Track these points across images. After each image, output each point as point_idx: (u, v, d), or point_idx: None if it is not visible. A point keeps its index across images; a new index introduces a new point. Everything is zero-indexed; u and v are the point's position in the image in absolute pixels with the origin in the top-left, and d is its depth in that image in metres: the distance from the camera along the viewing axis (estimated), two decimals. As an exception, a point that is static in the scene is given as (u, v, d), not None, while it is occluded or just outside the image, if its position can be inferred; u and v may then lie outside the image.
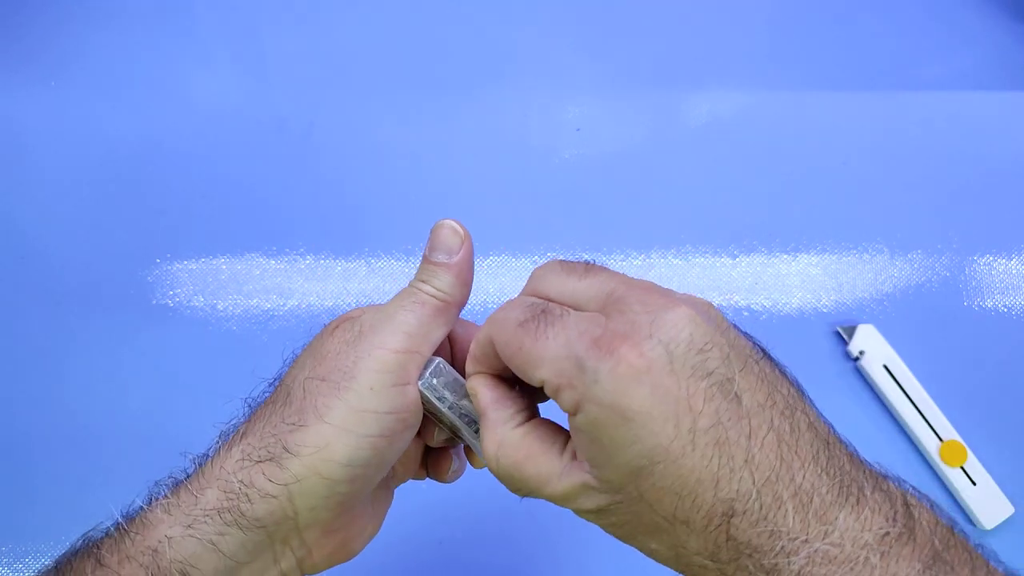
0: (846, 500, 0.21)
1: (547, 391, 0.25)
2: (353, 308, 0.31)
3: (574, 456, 0.25)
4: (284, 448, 0.27)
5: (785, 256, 0.64)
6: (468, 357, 0.28)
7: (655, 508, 0.22)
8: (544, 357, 0.24)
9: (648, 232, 0.65)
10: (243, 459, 0.27)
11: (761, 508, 0.21)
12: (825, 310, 0.62)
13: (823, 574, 0.20)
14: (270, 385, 0.30)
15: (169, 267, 0.63)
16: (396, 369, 0.27)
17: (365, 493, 0.29)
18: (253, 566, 0.27)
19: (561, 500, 0.26)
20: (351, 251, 0.64)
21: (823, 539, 0.21)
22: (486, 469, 0.28)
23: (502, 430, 0.26)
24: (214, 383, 0.59)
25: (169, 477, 0.28)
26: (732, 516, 0.21)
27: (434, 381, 0.29)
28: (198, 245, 0.64)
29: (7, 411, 0.58)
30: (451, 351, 0.32)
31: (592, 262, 0.28)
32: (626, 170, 0.68)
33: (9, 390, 0.59)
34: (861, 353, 0.58)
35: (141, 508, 0.27)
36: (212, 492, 0.26)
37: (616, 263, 0.64)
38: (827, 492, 0.21)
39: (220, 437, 0.29)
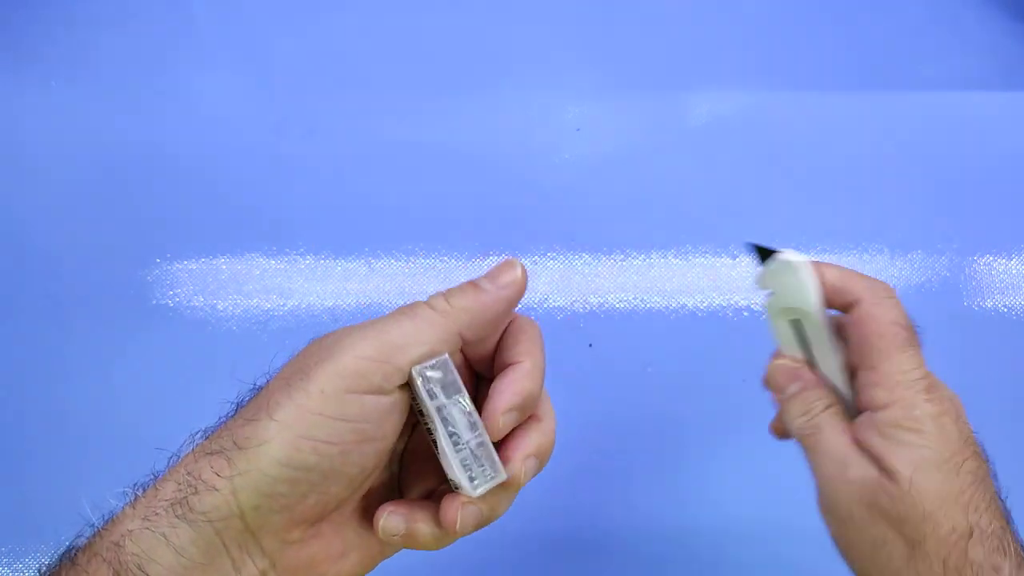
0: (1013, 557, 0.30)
1: (867, 378, 0.32)
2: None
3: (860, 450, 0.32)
4: (234, 442, 0.26)
5: (785, 256, 0.64)
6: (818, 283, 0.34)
7: (919, 499, 0.30)
8: (893, 360, 0.32)
9: (648, 232, 0.65)
10: (199, 453, 0.27)
11: (995, 544, 0.29)
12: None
13: None
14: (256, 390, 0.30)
15: (169, 267, 0.63)
16: (353, 375, 0.26)
17: (318, 504, 0.27)
18: (210, 570, 0.26)
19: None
20: (351, 251, 0.64)
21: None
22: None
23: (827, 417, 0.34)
24: (214, 383, 0.59)
25: (147, 477, 0.28)
26: (971, 537, 0.29)
27: (429, 373, 0.27)
28: (198, 245, 0.64)
29: (7, 411, 0.58)
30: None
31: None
32: (626, 170, 0.68)
33: (9, 390, 0.59)
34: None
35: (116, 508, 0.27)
36: (169, 484, 0.26)
37: (616, 263, 0.64)
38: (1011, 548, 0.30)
39: (191, 436, 0.29)
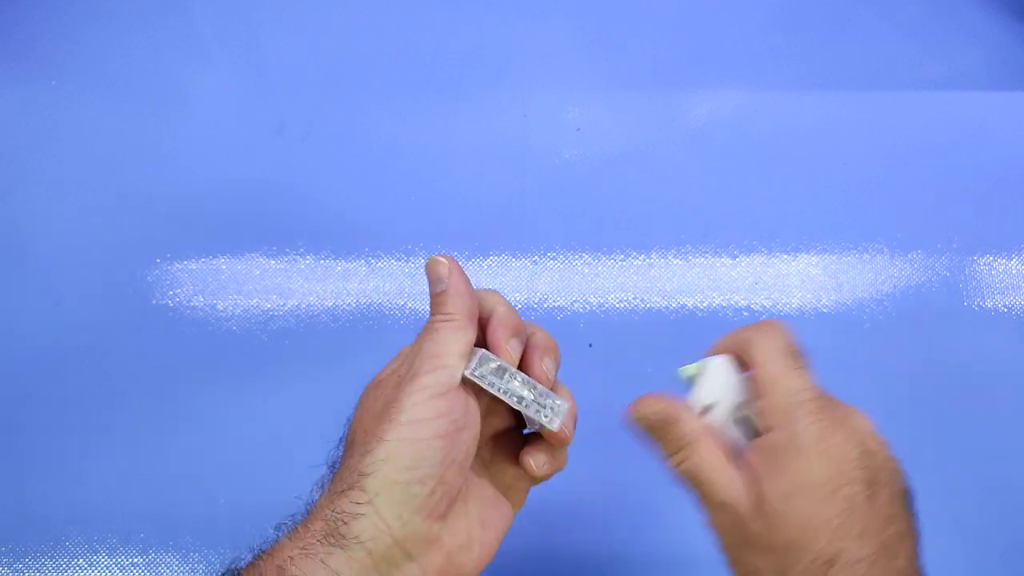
0: None
1: (759, 406, 0.32)
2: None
3: (738, 464, 0.32)
4: (359, 474, 0.31)
5: (785, 256, 0.64)
6: (723, 343, 0.36)
7: (785, 527, 0.29)
8: (780, 382, 0.32)
9: (648, 232, 0.65)
10: (332, 496, 0.31)
11: (862, 571, 0.28)
12: (825, 310, 0.62)
13: None
14: (339, 445, 0.35)
15: (169, 267, 0.63)
16: (431, 384, 0.32)
17: (444, 495, 0.32)
18: None
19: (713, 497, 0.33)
20: (351, 251, 0.64)
21: None
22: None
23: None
24: (214, 383, 0.59)
25: (291, 517, 0.33)
26: (832, 566, 0.28)
27: (477, 371, 0.34)
28: (198, 245, 0.64)
29: (7, 411, 0.58)
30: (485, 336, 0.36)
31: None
32: (626, 170, 0.68)
33: (9, 390, 0.59)
34: None
35: (273, 539, 0.32)
36: (317, 522, 0.31)
37: (616, 263, 0.64)
38: None
39: (315, 487, 0.34)
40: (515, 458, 0.37)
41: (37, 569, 0.53)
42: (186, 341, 0.60)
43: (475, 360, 0.34)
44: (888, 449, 0.31)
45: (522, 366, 0.36)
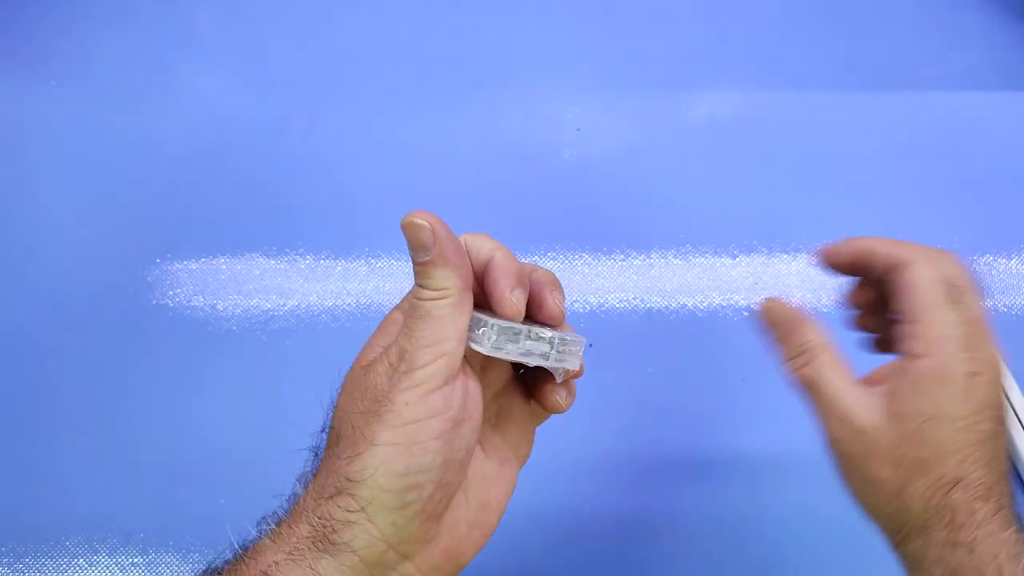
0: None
1: (908, 330, 0.33)
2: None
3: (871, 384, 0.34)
4: (348, 479, 0.29)
5: (785, 256, 0.64)
6: (847, 253, 0.37)
7: (919, 446, 0.31)
8: (936, 313, 0.33)
9: (648, 232, 0.65)
10: (318, 498, 0.29)
11: (980, 493, 0.31)
12: (825, 310, 0.62)
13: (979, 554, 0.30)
14: (323, 431, 0.32)
15: (169, 267, 0.63)
16: (426, 380, 0.29)
17: (443, 497, 0.30)
18: None
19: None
20: (351, 251, 0.64)
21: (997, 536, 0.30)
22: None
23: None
24: (214, 383, 0.59)
25: (272, 514, 0.31)
26: (956, 485, 0.31)
27: (488, 344, 0.30)
28: (198, 245, 0.64)
29: (7, 411, 0.58)
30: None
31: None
32: (626, 170, 0.68)
33: (9, 390, 0.59)
34: None
35: (255, 539, 0.30)
36: (303, 527, 0.29)
37: (616, 263, 0.64)
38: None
39: (298, 480, 0.32)
40: (521, 406, 0.35)
41: (37, 569, 0.53)
42: (186, 341, 0.60)
43: (480, 332, 0.30)
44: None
45: (531, 308, 0.33)
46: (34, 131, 0.69)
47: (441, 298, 0.30)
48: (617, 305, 0.62)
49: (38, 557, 0.54)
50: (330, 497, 0.29)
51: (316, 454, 0.32)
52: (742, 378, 0.59)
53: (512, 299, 0.31)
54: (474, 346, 0.30)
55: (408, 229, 0.30)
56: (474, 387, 0.31)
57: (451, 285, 0.30)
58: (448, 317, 0.30)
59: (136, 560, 0.53)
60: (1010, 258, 0.64)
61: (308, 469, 0.32)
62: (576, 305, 0.62)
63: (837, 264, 0.38)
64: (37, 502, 0.55)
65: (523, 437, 0.36)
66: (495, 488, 0.33)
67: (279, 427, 0.57)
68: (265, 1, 0.75)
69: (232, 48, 0.74)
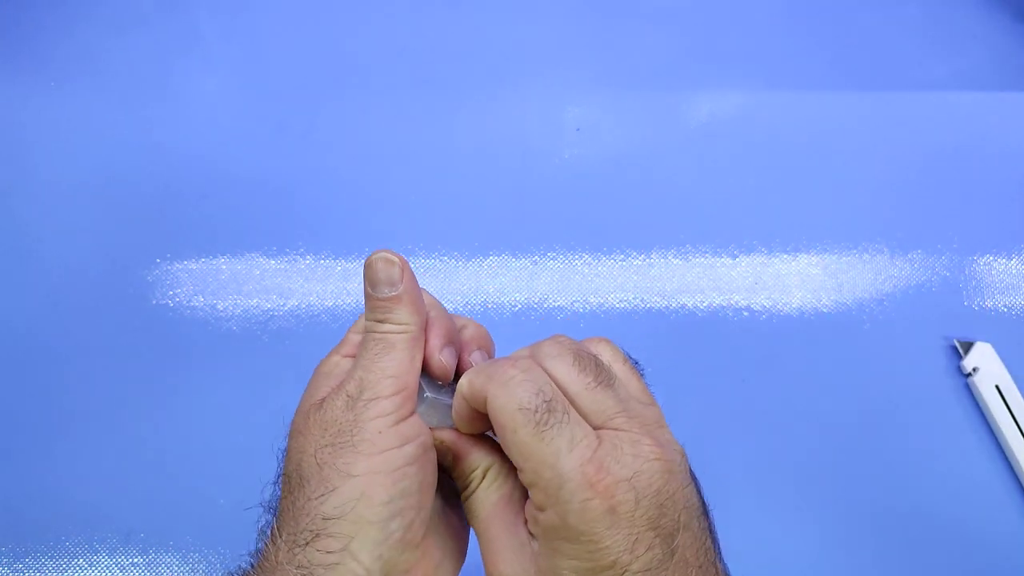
0: None
1: (522, 478, 0.28)
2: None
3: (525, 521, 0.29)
4: (324, 518, 0.28)
5: (785, 256, 0.64)
6: (458, 407, 0.31)
7: None
8: (534, 456, 0.27)
9: (648, 232, 0.65)
10: (292, 547, 0.28)
11: None
12: (825, 310, 0.62)
13: None
14: (275, 483, 0.31)
15: (169, 267, 0.63)
16: (395, 409, 0.29)
17: (421, 523, 0.30)
18: None
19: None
20: (351, 251, 0.64)
21: None
22: None
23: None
24: (214, 383, 0.59)
25: (238, 568, 0.29)
26: None
27: (428, 412, 0.32)
28: (198, 245, 0.64)
29: (7, 411, 0.58)
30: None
31: (601, 365, 0.30)
32: (626, 170, 0.68)
33: (9, 390, 0.59)
34: (975, 370, 0.58)
35: None
36: (288, 570, 0.27)
37: (616, 263, 0.64)
38: None
39: (259, 535, 0.30)
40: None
41: (37, 569, 0.53)
42: (186, 341, 0.60)
43: (423, 402, 0.32)
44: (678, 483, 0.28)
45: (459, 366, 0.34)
46: (34, 132, 0.69)
47: (404, 332, 0.31)
48: (617, 305, 0.62)
49: (38, 557, 0.54)
50: (307, 544, 0.27)
51: (270, 508, 0.31)
52: (742, 378, 0.59)
53: (438, 359, 0.32)
54: (431, 394, 0.32)
55: (379, 264, 0.31)
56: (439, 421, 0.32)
57: (413, 322, 0.31)
58: (410, 351, 0.31)
59: (136, 560, 0.53)
60: (1010, 258, 0.64)
61: (264, 524, 0.30)
62: (576, 305, 0.62)
63: (472, 427, 0.31)
64: (37, 502, 0.55)
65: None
66: (449, 525, 0.32)
67: (279, 427, 0.57)
68: (265, 2, 0.75)
69: (232, 49, 0.74)
